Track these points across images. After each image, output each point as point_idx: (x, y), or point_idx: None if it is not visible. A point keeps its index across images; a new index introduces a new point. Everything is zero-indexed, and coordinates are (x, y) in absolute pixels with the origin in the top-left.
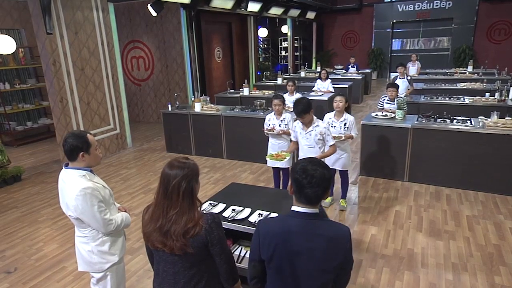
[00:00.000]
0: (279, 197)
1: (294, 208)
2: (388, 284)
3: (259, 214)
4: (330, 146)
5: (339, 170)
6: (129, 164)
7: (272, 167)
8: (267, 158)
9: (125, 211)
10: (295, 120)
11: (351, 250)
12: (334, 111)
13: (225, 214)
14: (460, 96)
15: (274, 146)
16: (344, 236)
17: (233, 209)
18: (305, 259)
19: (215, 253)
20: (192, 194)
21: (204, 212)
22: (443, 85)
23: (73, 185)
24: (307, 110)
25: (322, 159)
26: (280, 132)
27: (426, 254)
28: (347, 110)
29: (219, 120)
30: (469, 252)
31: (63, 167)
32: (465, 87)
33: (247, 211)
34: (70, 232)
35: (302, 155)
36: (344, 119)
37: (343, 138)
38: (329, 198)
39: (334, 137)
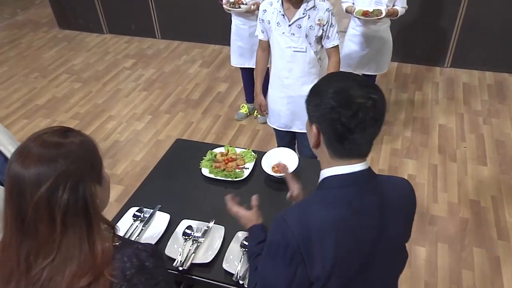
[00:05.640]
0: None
1: (338, 170)
2: (451, 279)
3: (243, 244)
4: (331, 48)
5: (367, 75)
6: None
7: (241, 68)
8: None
9: None
10: None
11: None
12: None
13: (170, 252)
14: None
15: (242, 32)
16: (411, 191)
17: (186, 231)
18: (381, 246)
19: None
20: (86, 213)
21: (118, 244)
22: None
23: None
24: None
25: None
26: (253, 6)
27: (501, 210)
28: None
29: None
30: None
31: None
32: None
33: (218, 231)
34: None
35: (280, 68)
36: None
37: (383, 15)
38: None
39: (366, 14)
